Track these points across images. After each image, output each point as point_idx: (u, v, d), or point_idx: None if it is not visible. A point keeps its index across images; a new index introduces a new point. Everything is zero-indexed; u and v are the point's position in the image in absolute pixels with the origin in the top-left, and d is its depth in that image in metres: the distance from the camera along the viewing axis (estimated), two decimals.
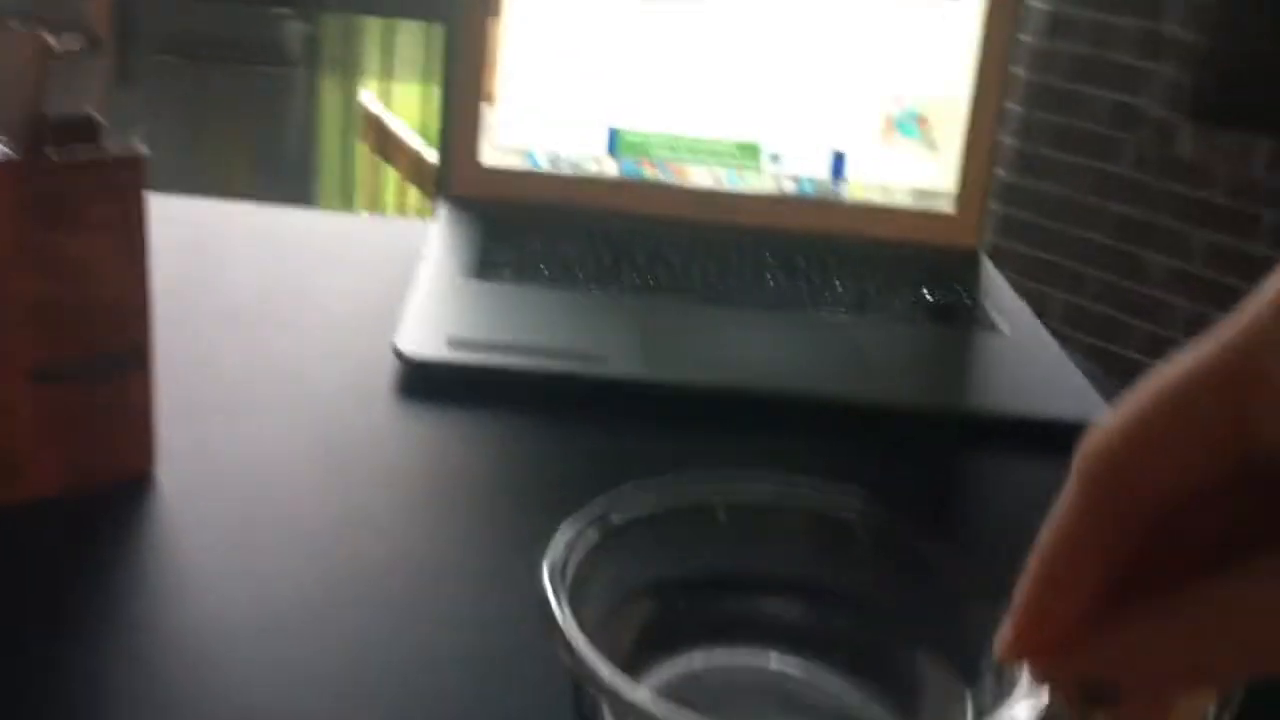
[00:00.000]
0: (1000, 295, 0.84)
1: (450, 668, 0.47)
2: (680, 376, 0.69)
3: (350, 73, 2.54)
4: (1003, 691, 0.38)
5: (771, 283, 0.81)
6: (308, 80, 2.39)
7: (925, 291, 0.82)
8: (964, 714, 0.40)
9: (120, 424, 0.54)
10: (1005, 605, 0.32)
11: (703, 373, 0.70)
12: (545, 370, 0.68)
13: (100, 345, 0.53)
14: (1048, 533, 0.31)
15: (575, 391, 0.67)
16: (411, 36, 2.54)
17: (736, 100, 0.88)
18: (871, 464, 0.66)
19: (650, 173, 0.89)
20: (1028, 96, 2.51)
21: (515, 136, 0.88)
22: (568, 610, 0.38)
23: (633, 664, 0.40)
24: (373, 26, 2.55)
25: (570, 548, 0.40)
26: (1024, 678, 0.37)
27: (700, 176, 0.89)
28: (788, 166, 0.89)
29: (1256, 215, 2.32)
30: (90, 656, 0.45)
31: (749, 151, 0.89)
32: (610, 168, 0.89)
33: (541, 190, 0.88)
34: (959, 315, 0.81)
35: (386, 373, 0.68)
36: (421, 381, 0.67)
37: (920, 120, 0.88)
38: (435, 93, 2.53)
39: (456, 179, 0.88)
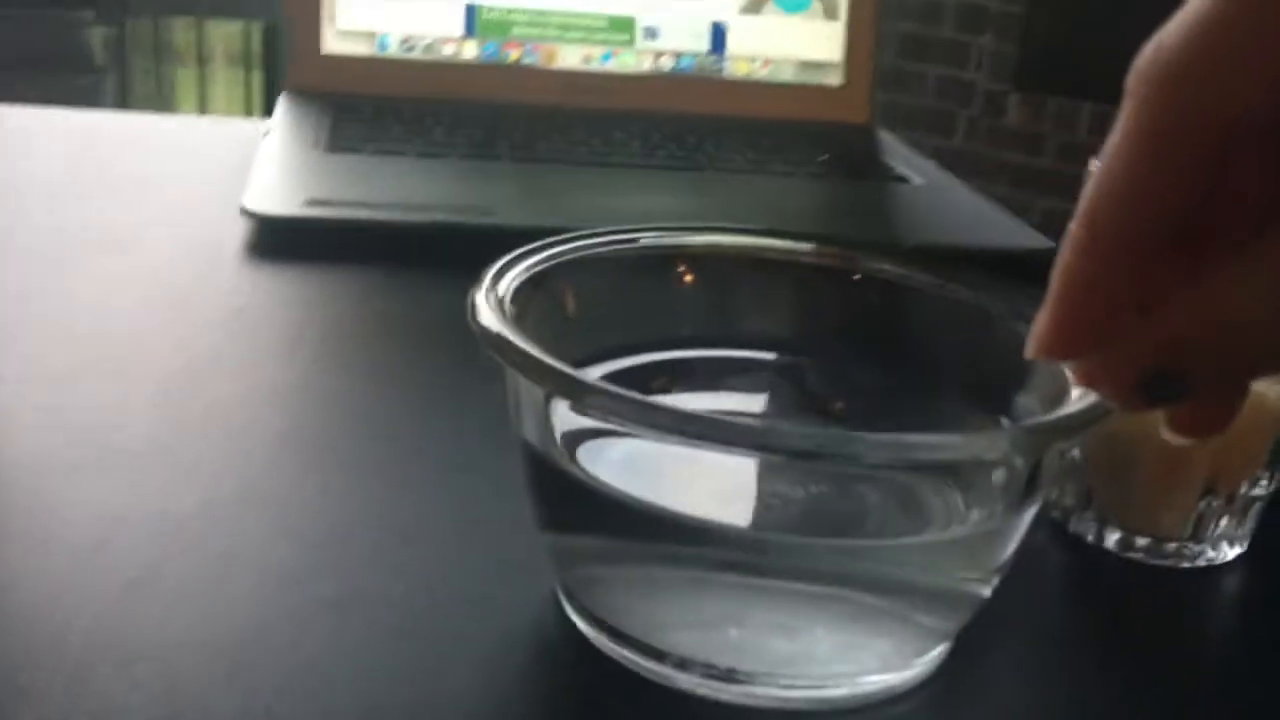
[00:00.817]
0: (903, 154, 0.78)
1: (316, 497, 0.37)
2: (581, 224, 0.60)
3: (163, 73, 2.38)
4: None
5: (662, 152, 0.73)
6: (117, 84, 2.22)
7: (825, 155, 0.76)
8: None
9: None
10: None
11: (607, 220, 0.61)
12: (427, 222, 0.58)
13: None
14: (1092, 187, 0.24)
15: (458, 246, 0.58)
16: (227, 30, 2.40)
17: None
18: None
19: (514, 55, 0.80)
20: None
21: (360, 18, 0.78)
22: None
23: None
24: (183, 25, 2.40)
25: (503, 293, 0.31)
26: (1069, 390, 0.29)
27: (570, 57, 0.81)
28: (665, 41, 0.82)
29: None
30: None
31: (623, 26, 0.81)
32: (469, 50, 0.80)
33: (393, 79, 0.79)
34: (867, 171, 0.74)
35: (235, 237, 0.57)
36: (277, 243, 0.57)
37: None
38: (258, 79, 2.39)
39: (296, 70, 0.78)
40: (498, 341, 0.28)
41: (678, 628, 0.30)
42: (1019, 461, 0.28)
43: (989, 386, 0.34)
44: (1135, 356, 0.24)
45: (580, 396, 0.27)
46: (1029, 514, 0.29)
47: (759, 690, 0.29)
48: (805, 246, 0.35)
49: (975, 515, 0.30)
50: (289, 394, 0.43)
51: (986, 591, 0.29)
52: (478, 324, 0.29)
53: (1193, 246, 0.24)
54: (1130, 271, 0.24)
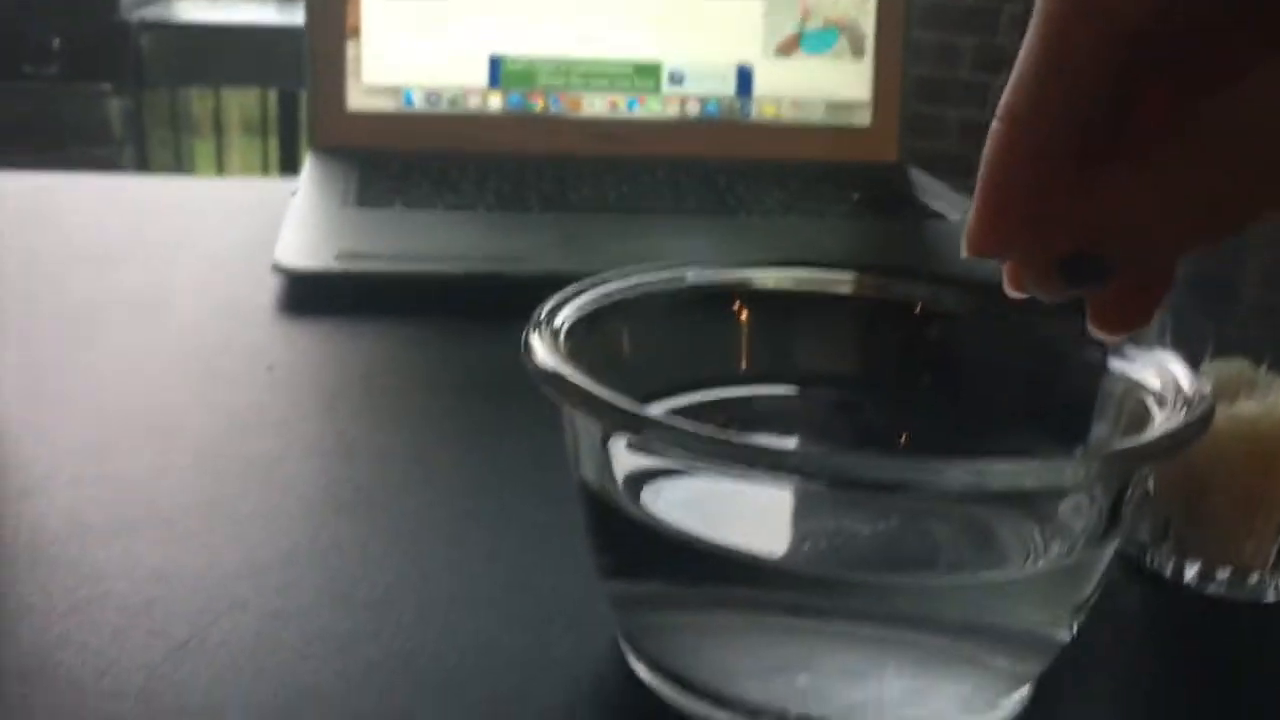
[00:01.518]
0: (936, 191, 0.77)
1: (360, 556, 0.36)
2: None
3: (180, 143, 2.41)
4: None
5: (693, 198, 0.72)
6: (136, 157, 2.24)
7: (857, 194, 0.75)
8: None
9: None
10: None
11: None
12: (457, 272, 0.57)
13: None
14: (1009, 85, 0.25)
15: (492, 295, 0.57)
16: (242, 98, 2.42)
17: (630, 13, 0.80)
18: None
19: (540, 105, 0.80)
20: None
21: (385, 74, 0.78)
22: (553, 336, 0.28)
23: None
24: (199, 95, 2.43)
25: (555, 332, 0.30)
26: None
27: (595, 105, 0.81)
28: (691, 86, 0.81)
29: None
30: None
31: (648, 72, 0.81)
32: (494, 102, 0.80)
33: (419, 133, 0.78)
34: (901, 208, 0.73)
35: (267, 295, 0.57)
36: (309, 298, 0.56)
37: (830, 26, 0.82)
38: (274, 146, 2.41)
39: (322, 128, 0.78)
40: (554, 379, 0.27)
41: (746, 675, 0.28)
42: (1099, 490, 0.27)
43: (1058, 417, 0.33)
44: (1053, 243, 0.25)
45: (642, 429, 0.26)
46: (1110, 548, 0.28)
47: None
48: (861, 278, 0.34)
49: (1054, 550, 0.29)
50: (329, 450, 0.42)
51: (1066, 634, 0.28)
52: (533, 363, 0.28)
53: (1105, 145, 0.25)
54: (1046, 167, 0.25)
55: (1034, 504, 0.29)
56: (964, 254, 0.27)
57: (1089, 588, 0.28)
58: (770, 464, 0.24)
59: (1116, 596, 0.35)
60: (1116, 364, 0.30)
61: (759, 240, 0.67)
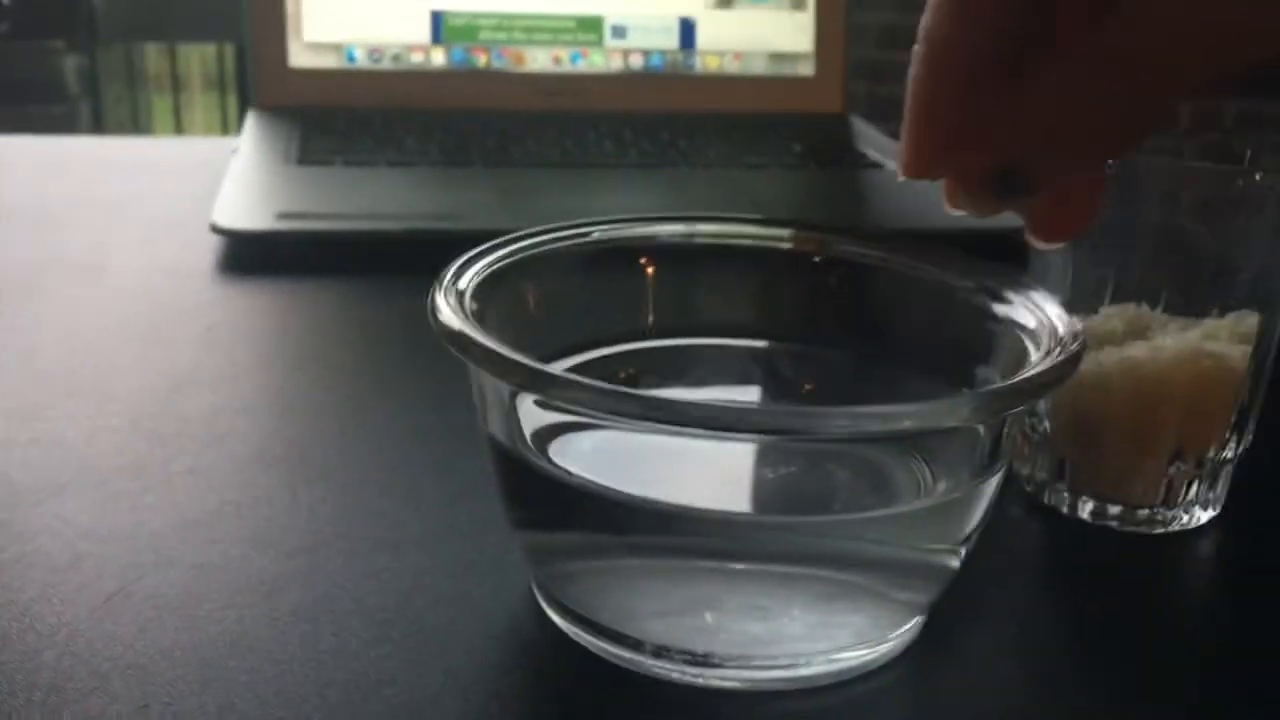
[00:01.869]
0: (877, 141, 0.78)
1: (290, 507, 0.37)
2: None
3: (137, 99, 2.38)
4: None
5: (635, 151, 0.73)
6: (92, 114, 2.22)
7: (799, 146, 0.76)
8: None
9: None
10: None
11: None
12: (397, 230, 0.58)
13: None
14: (928, 7, 0.27)
15: (432, 254, 0.58)
16: (200, 53, 2.40)
17: None
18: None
19: (482, 60, 0.80)
20: None
21: (326, 30, 0.78)
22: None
23: None
24: (155, 51, 2.40)
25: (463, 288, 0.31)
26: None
27: (539, 59, 0.81)
28: (634, 40, 0.82)
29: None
30: None
31: (591, 26, 0.81)
32: (437, 58, 0.80)
33: (362, 90, 0.79)
34: (841, 159, 0.74)
35: (206, 255, 0.57)
36: (248, 258, 0.57)
37: None
38: (234, 102, 2.39)
39: (263, 86, 0.78)
40: (460, 339, 0.28)
41: (652, 616, 0.30)
42: (980, 429, 0.28)
43: (953, 361, 0.34)
44: (980, 160, 0.26)
45: (546, 388, 0.27)
46: (994, 482, 0.29)
47: (735, 673, 0.29)
48: (765, 231, 0.35)
49: (941, 486, 0.30)
50: (263, 407, 0.43)
51: (956, 562, 0.29)
52: (438, 322, 0.29)
53: (1023, 58, 0.26)
54: (968, 84, 0.26)
55: (919, 444, 0.31)
56: (900, 177, 0.28)
57: (975, 519, 0.29)
58: (666, 416, 0.25)
59: (1013, 532, 0.36)
60: (999, 308, 0.31)
61: (701, 193, 0.68)
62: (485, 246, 0.32)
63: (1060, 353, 0.28)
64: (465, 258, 0.31)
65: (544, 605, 0.32)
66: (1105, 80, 0.25)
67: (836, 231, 0.35)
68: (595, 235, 0.34)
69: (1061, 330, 0.29)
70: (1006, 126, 0.26)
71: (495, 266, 0.32)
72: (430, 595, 0.32)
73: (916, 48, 0.27)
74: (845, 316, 0.35)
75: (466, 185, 0.66)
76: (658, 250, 0.34)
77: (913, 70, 0.27)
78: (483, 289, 0.31)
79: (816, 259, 0.34)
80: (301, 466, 0.38)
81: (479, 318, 0.29)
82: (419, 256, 0.58)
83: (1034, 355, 0.29)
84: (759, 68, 0.84)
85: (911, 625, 0.31)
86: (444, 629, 0.31)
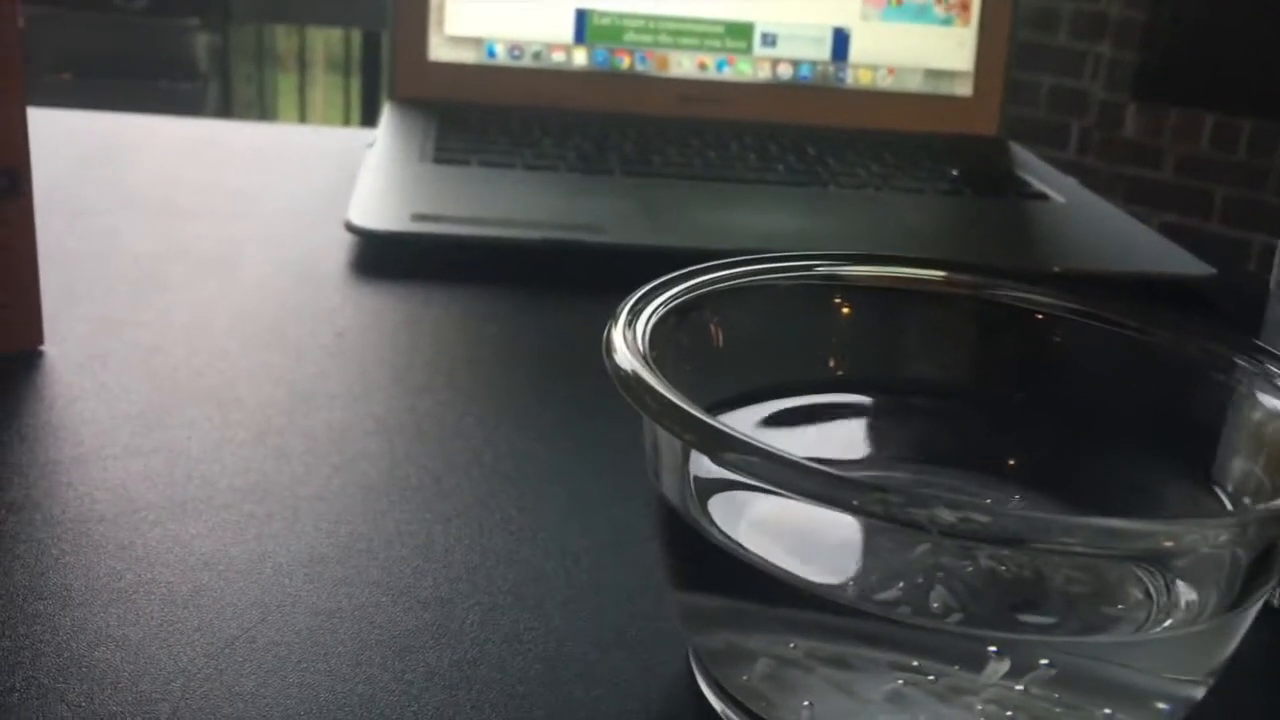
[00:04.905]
0: (1038, 169, 0.73)
1: (424, 549, 0.34)
2: (699, 244, 0.57)
3: (264, 80, 2.41)
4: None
5: (781, 166, 0.69)
6: (220, 92, 2.25)
7: (956, 170, 0.71)
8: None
9: None
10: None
11: (726, 240, 0.57)
12: (536, 239, 0.55)
13: None
14: None
15: (569, 264, 0.55)
16: (327, 37, 2.41)
17: None
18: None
19: (625, 62, 0.77)
20: None
21: (468, 24, 0.76)
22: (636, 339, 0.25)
23: None
24: (285, 32, 2.43)
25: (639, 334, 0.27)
26: None
27: (684, 64, 0.77)
28: (784, 49, 0.78)
29: (1208, 192, 2.27)
30: None
31: (740, 32, 0.77)
32: (579, 58, 0.77)
33: (500, 87, 0.76)
34: (1003, 187, 0.69)
35: (338, 254, 0.55)
36: (381, 260, 0.54)
37: None
38: (356, 85, 2.41)
39: (401, 77, 0.76)
40: (633, 383, 0.25)
41: (825, 716, 0.26)
42: (1241, 549, 0.24)
43: (1179, 441, 0.30)
44: None
45: (721, 452, 0.23)
46: (1254, 609, 0.25)
47: None
48: (977, 279, 0.31)
49: (1183, 604, 0.26)
50: (395, 429, 0.40)
51: (1199, 694, 0.25)
52: (613, 363, 0.25)
53: None
54: None
55: (1164, 558, 0.26)
56: None
57: (1227, 651, 0.25)
58: (872, 508, 0.21)
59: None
60: (1257, 388, 0.27)
61: (851, 216, 0.64)
62: (668, 277, 0.28)
63: None
64: (646, 290, 0.28)
65: (705, 689, 0.28)
66: None
67: (1052, 283, 0.31)
68: (796, 270, 0.30)
69: None
70: None
71: (678, 301, 0.28)
72: (577, 667, 0.29)
73: None
74: (1059, 382, 0.31)
75: (606, 194, 0.62)
76: (854, 292, 0.30)
77: None
78: (665, 324, 0.27)
79: (1039, 316, 0.30)
80: (436, 501, 0.35)
81: (658, 355, 0.26)
82: (558, 267, 0.55)
83: None
84: (913, 84, 0.79)
85: None
86: (591, 711, 0.27)
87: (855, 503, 0.21)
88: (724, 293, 0.29)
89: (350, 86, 2.58)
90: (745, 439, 0.22)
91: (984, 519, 0.21)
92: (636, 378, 0.25)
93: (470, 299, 0.51)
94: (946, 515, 0.21)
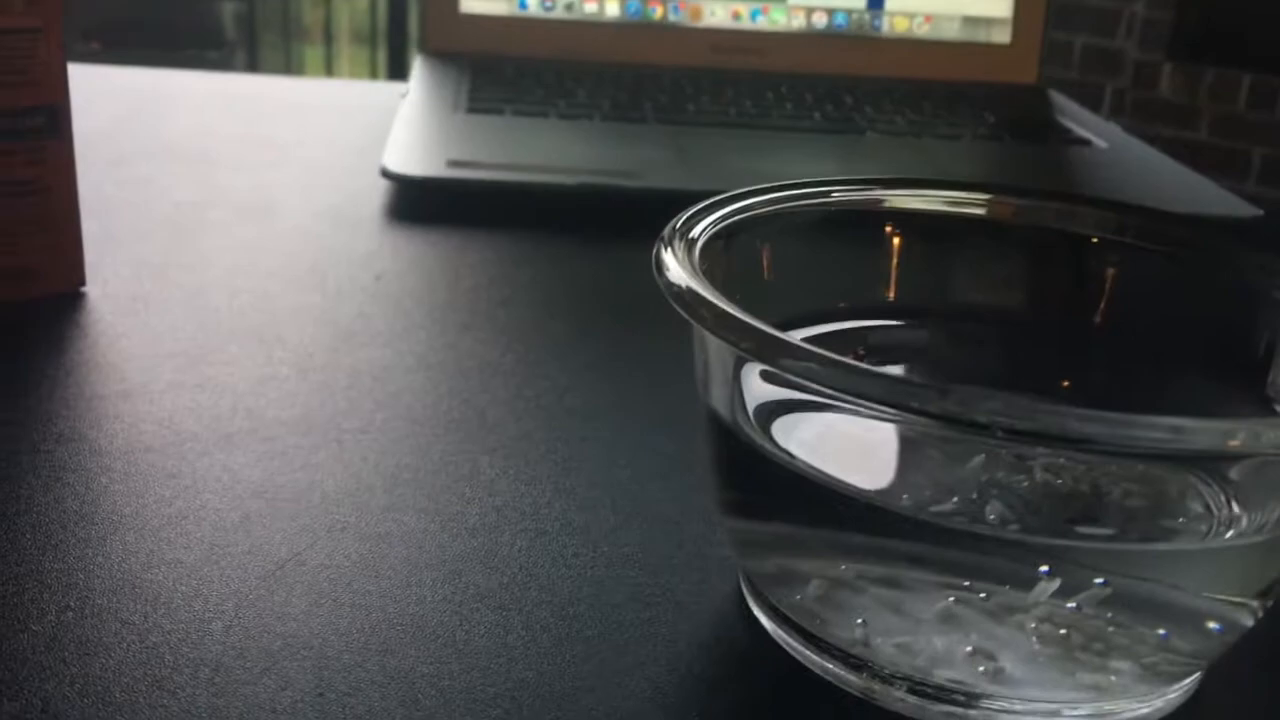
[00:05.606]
0: (1079, 115, 0.72)
1: (470, 477, 0.34)
2: (735, 188, 0.56)
3: (290, 49, 2.41)
4: None
5: (817, 114, 0.68)
6: (247, 61, 2.25)
7: (993, 116, 0.70)
8: None
9: (39, 212, 0.41)
10: None
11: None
12: (571, 184, 0.55)
13: (11, 99, 0.39)
14: None
15: (603, 210, 0.54)
16: (353, 6, 2.41)
17: None
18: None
19: (659, 12, 0.76)
20: None
21: None
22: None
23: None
24: (311, 2, 2.42)
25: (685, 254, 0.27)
26: None
27: (717, 14, 0.77)
28: None
29: (1245, 152, 2.24)
30: (9, 465, 0.31)
31: None
32: (612, 8, 0.76)
33: (533, 39, 0.75)
34: (1043, 133, 0.69)
35: (375, 200, 0.55)
36: (417, 206, 0.54)
37: None
38: (383, 56, 2.40)
39: (433, 31, 0.75)
40: (687, 297, 0.24)
41: (883, 636, 0.26)
42: None
43: (1239, 365, 0.29)
44: None
45: (779, 358, 0.23)
46: None
47: (980, 715, 0.25)
48: (1030, 203, 0.30)
49: (1245, 521, 0.25)
50: (438, 363, 0.40)
51: (1249, 619, 0.25)
52: (665, 280, 0.25)
53: None
54: None
55: (1221, 466, 0.26)
56: None
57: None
58: (933, 409, 0.21)
59: None
60: None
61: (888, 162, 0.63)
62: (715, 199, 0.28)
63: None
64: (694, 210, 0.28)
65: (755, 609, 0.28)
66: None
67: (1108, 207, 0.30)
68: (842, 196, 0.29)
69: None
70: None
71: (726, 223, 0.28)
72: (627, 590, 0.29)
73: None
74: (1111, 304, 0.31)
75: (640, 141, 0.62)
76: (904, 219, 0.30)
77: None
78: (711, 247, 0.27)
79: (1093, 240, 0.30)
80: (481, 434, 0.35)
81: (707, 276, 0.26)
82: (590, 213, 0.55)
83: None
84: (950, 32, 0.78)
85: (1188, 682, 0.26)
86: (644, 631, 0.27)
87: (915, 404, 0.21)
88: (771, 216, 0.29)
89: (376, 59, 2.58)
90: (803, 345, 0.22)
91: (1049, 418, 0.20)
92: (691, 291, 0.24)
93: (506, 244, 0.51)
94: (1008, 415, 0.21)
